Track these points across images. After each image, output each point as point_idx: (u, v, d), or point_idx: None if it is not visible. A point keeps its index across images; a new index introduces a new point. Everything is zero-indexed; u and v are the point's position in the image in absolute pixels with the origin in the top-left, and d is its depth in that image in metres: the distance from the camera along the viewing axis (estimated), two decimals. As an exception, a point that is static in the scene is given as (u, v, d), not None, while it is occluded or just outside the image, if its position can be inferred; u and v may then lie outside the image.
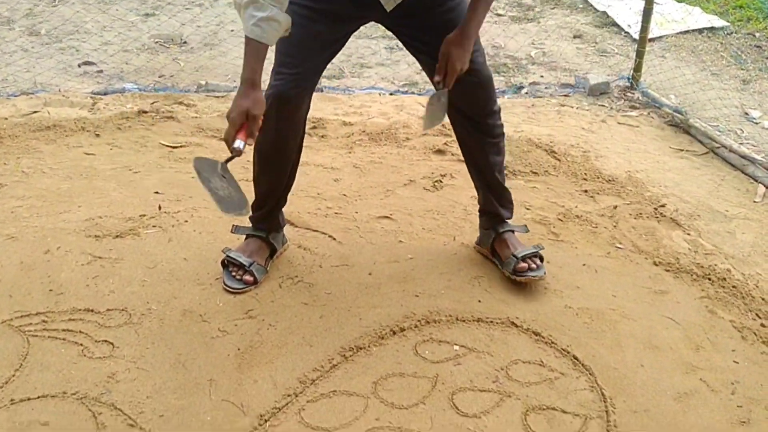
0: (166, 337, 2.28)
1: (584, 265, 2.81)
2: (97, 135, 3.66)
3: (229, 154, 2.08)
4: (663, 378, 2.26)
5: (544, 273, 2.63)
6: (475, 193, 2.73)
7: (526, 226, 2.81)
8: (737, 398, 2.20)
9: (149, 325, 2.32)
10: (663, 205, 3.32)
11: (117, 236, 2.74)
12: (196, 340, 2.28)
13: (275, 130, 2.37)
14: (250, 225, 2.65)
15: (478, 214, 2.82)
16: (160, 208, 2.95)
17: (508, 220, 2.75)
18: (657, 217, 3.23)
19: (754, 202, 3.64)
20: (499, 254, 2.71)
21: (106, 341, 2.24)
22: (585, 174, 3.57)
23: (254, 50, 2.10)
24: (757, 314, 2.59)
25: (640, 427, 2.08)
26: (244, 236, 2.65)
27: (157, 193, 3.07)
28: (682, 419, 2.12)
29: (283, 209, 2.67)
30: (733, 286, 2.74)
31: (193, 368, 2.17)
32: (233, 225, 2.67)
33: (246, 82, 2.11)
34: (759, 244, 3.16)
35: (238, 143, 2.04)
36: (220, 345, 2.27)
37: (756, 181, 3.83)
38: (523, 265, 2.61)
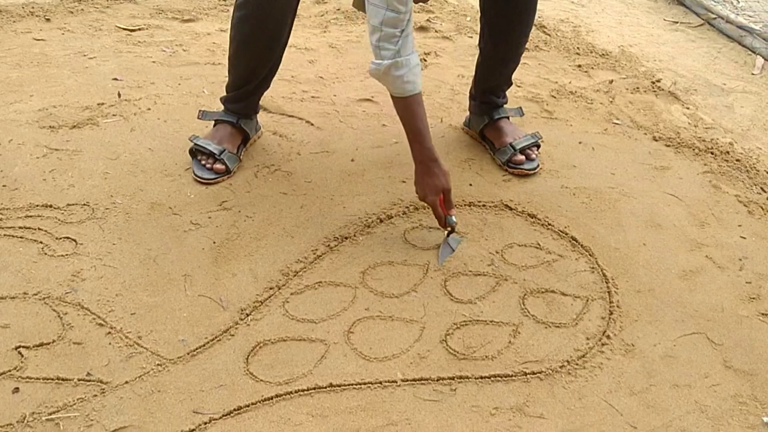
0: (133, 231, 2.10)
1: (580, 143, 2.64)
2: (47, 19, 3.35)
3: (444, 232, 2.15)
4: (667, 256, 2.13)
5: (538, 165, 2.45)
6: (461, 71, 2.51)
7: (521, 108, 2.61)
8: (745, 274, 2.09)
9: (114, 220, 2.13)
10: (659, 80, 3.12)
11: (74, 127, 2.50)
12: (166, 234, 2.10)
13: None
14: (221, 110, 2.42)
15: (468, 95, 2.61)
16: (119, 95, 2.70)
17: (503, 106, 2.55)
18: (655, 91, 3.04)
19: (752, 74, 3.47)
20: (492, 141, 2.52)
21: (68, 238, 2.05)
22: (577, 49, 3.35)
23: (415, 106, 2.01)
24: (762, 188, 2.45)
25: (644, 307, 1.96)
26: (213, 123, 2.43)
27: (115, 80, 2.82)
28: (688, 297, 2.00)
29: (257, 93, 2.45)
30: (737, 160, 2.59)
31: (165, 264, 2.00)
32: (200, 110, 2.44)
33: (427, 160, 2.04)
34: (758, 117, 3.00)
35: (453, 221, 2.10)
36: (193, 239, 2.09)
37: (754, 52, 3.64)
38: (521, 157, 2.43)
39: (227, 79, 2.35)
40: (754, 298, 2.00)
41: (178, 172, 2.34)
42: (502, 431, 1.63)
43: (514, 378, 1.75)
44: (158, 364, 1.73)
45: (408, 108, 2.00)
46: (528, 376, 1.76)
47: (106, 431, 1.57)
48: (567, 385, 1.74)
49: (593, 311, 1.94)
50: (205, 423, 1.60)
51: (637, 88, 3.04)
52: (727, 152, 2.62)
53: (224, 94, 2.40)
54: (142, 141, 2.47)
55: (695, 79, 3.34)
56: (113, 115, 2.59)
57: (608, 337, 1.87)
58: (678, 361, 1.82)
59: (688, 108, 2.96)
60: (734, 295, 2.01)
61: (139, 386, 1.67)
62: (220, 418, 1.62)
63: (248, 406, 1.65)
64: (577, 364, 1.79)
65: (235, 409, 1.64)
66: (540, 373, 1.77)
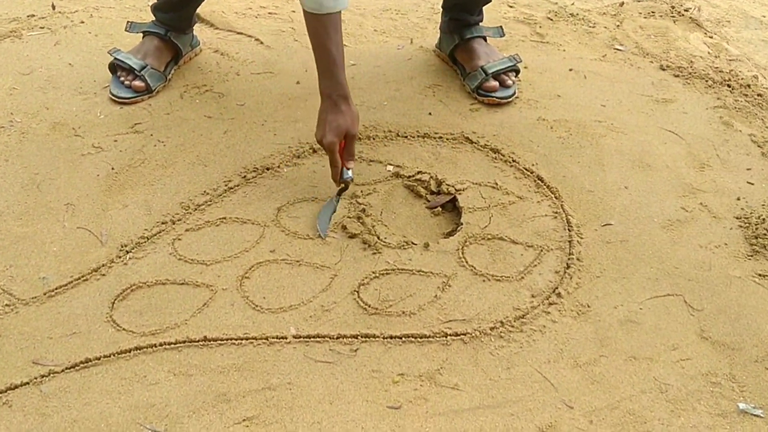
0: (24, 153, 1.82)
1: (571, 70, 2.24)
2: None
3: (337, 187, 1.75)
4: (651, 202, 1.75)
5: (515, 94, 2.07)
6: None
7: (501, 28, 2.21)
8: (746, 226, 1.70)
9: (6, 140, 1.86)
10: (686, 10, 2.66)
11: (-8, 39, 2.23)
12: (60, 158, 1.82)
13: None
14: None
15: (441, 10, 2.23)
16: (53, 7, 2.41)
17: (478, 24, 2.16)
18: (673, 17, 2.60)
19: (801, 6, 2.96)
20: (462, 65, 2.14)
21: (-55, 158, 1.79)
22: (588, -32, 2.90)
23: (331, 28, 1.62)
24: (785, 127, 2.03)
25: (612, 261, 1.60)
26: (141, 35, 2.12)
27: (52, -9, 2.52)
28: (669, 251, 1.63)
29: (201, 5, 2.12)
30: (759, 95, 2.16)
31: (50, 190, 1.72)
32: (128, 21, 2.13)
33: (335, 95, 1.66)
34: (801, 54, 2.53)
35: (348, 175, 1.72)
36: (90, 163, 1.81)
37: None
38: (493, 83, 2.05)
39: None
40: (751, 256, 1.62)
41: (94, 90, 2.05)
42: (402, 403, 1.31)
43: (431, 339, 1.43)
44: (6, 305, 1.46)
45: (323, 29, 1.64)
46: (449, 337, 1.43)
47: None
48: (496, 351, 1.41)
49: (546, 264, 1.59)
50: (42, 376, 1.34)
51: (653, 12, 2.60)
52: (748, 86, 2.19)
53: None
54: (63, 56, 2.18)
55: (730, 10, 2.87)
56: (41, 27, 2.31)
57: (559, 295, 1.52)
58: (641, 328, 1.46)
59: (711, 37, 2.52)
60: (728, 252, 1.63)
61: (-22, 329, 1.40)
62: (62, 371, 1.35)
63: (99, 358, 1.37)
64: (512, 326, 1.45)
65: (82, 362, 1.36)
66: (464, 335, 1.44)
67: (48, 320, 1.43)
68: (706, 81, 2.20)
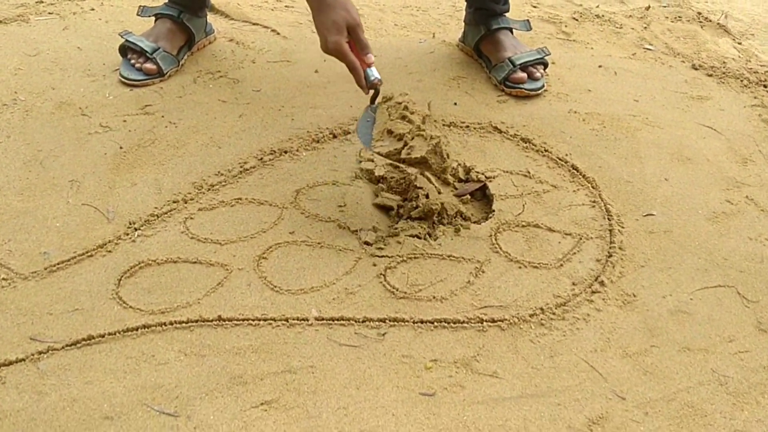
0: (27, 131, 1.72)
1: (600, 66, 2.15)
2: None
3: (366, 93, 1.55)
4: (694, 194, 1.65)
5: (543, 86, 1.98)
6: None
7: (528, 21, 2.13)
8: (797, 220, 1.59)
9: (9, 117, 1.76)
10: (708, 19, 2.59)
11: (0, 22, 2.14)
12: (65, 136, 1.71)
13: None
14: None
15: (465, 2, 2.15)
16: (62, -6, 2.33)
17: (504, 14, 2.08)
18: (700, 22, 2.52)
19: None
20: (488, 57, 2.06)
21: (-56, 133, 1.68)
22: (611, -25, 2.84)
23: None
24: (827, 127, 1.93)
25: (656, 251, 1.48)
26: (154, 19, 2.03)
27: (62, -20, 2.44)
28: (717, 243, 1.51)
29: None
30: (796, 95, 2.06)
31: (54, 167, 1.61)
32: (140, 6, 2.04)
33: None
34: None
35: (375, 75, 1.51)
36: (96, 142, 1.70)
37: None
38: (521, 75, 1.96)
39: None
40: (804, 249, 1.50)
41: (103, 73, 1.95)
42: (436, 390, 1.18)
43: (465, 325, 1.31)
44: (4, 278, 1.34)
45: None
46: (485, 323, 1.31)
47: None
48: (536, 338, 1.29)
49: (586, 252, 1.47)
50: (40, 352, 1.21)
51: (679, 17, 2.53)
52: (785, 86, 2.10)
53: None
54: (72, 40, 2.09)
55: (753, 24, 2.79)
56: (49, 13, 2.22)
57: (602, 283, 1.40)
58: (693, 319, 1.34)
59: (740, 43, 2.44)
60: (779, 243, 1.52)
61: (-31, 303, 1.28)
62: (62, 348, 1.22)
63: (103, 336, 1.24)
64: (554, 314, 1.33)
65: (84, 339, 1.24)
66: (502, 321, 1.32)
67: (48, 296, 1.31)
68: (741, 81, 2.12)
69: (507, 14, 2.07)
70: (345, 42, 1.49)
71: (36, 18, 2.18)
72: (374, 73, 1.51)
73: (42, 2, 2.27)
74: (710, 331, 1.32)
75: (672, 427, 1.15)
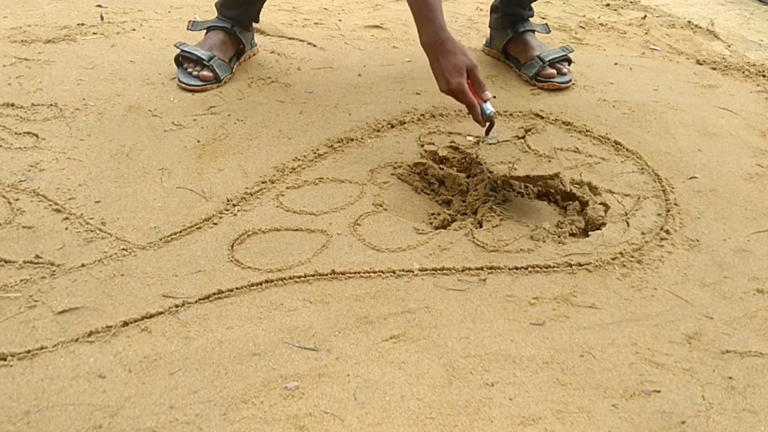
0: (105, 130, 1.81)
1: (616, 64, 2.35)
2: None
3: (483, 127, 1.74)
4: (727, 161, 1.82)
5: (571, 80, 2.16)
6: (479, 5, 2.23)
7: (547, 24, 2.32)
8: (823, 175, 1.77)
9: (85, 119, 1.84)
10: (698, 26, 2.83)
11: (48, 41, 2.24)
12: (144, 133, 1.80)
13: None
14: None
15: (489, 11, 2.33)
16: (102, 18, 2.44)
17: (528, 19, 2.27)
18: (692, 28, 2.76)
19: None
20: (515, 57, 2.23)
21: (29, 133, 1.77)
22: (604, -8, 3.08)
23: None
24: (827, 106, 2.14)
25: (707, 205, 1.64)
26: (205, 32, 2.16)
27: (99, 6, 2.56)
28: (759, 197, 1.68)
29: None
30: (793, 83, 2.28)
31: (140, 158, 1.71)
32: (190, 21, 2.17)
33: (438, 41, 1.67)
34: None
35: (491, 110, 1.69)
36: (174, 137, 1.80)
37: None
38: (551, 71, 2.14)
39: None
40: (836, 197, 1.68)
41: (162, 81, 2.06)
42: (545, 320, 1.30)
43: (556, 269, 1.43)
44: (123, 249, 1.42)
45: None
46: (573, 267, 1.44)
47: (52, 312, 1.25)
48: (622, 277, 1.42)
49: (647, 208, 1.63)
50: (177, 306, 1.29)
51: (673, 24, 2.76)
52: (782, 76, 2.32)
53: (219, -1, 2.13)
54: (122, 55, 2.20)
55: (730, 36, 3.05)
56: (93, 33, 2.33)
57: (667, 232, 1.55)
58: (755, 256, 1.49)
59: (730, 46, 2.68)
60: (812, 195, 1.69)
61: (98, 270, 1.36)
62: (196, 302, 1.30)
63: (232, 290, 1.33)
64: (632, 257, 1.47)
65: (214, 293, 1.32)
66: (588, 264, 1.45)
67: (170, 261, 1.39)
68: (743, 72, 2.33)
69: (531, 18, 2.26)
70: (465, 83, 1.66)
71: (82, 38, 2.28)
72: (489, 107, 1.69)
73: (83, 24, 2.37)
74: (772, 265, 1.47)
75: (759, 336, 1.29)
